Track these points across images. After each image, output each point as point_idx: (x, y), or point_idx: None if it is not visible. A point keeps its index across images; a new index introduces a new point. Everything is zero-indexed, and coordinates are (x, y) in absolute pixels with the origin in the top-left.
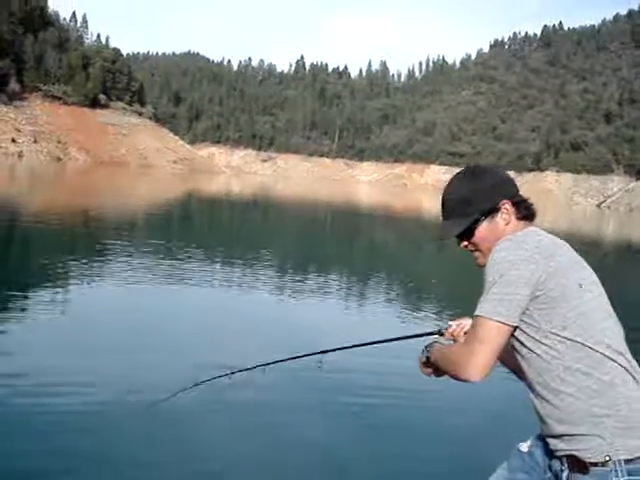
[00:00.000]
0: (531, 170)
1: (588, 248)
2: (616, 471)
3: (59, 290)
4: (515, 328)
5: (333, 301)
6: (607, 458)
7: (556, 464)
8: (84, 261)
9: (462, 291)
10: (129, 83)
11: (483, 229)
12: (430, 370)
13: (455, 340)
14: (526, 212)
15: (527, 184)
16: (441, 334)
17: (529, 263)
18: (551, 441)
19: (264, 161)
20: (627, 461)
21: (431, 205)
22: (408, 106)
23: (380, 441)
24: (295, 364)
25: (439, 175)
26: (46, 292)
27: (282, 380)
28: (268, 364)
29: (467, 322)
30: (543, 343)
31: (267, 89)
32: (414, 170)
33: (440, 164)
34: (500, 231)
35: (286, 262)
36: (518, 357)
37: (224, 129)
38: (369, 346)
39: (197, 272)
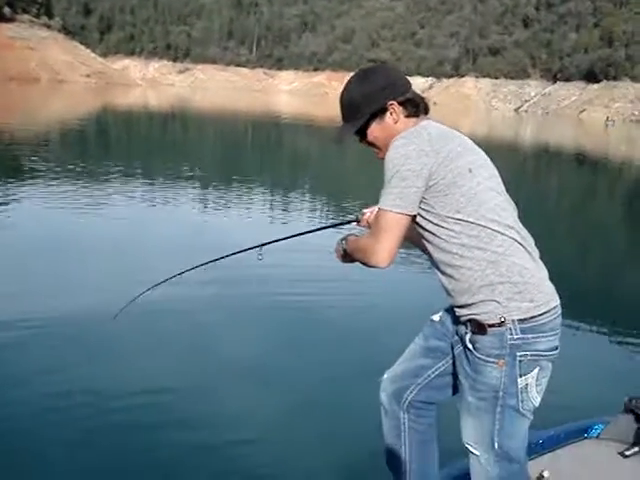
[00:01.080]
0: (451, 76)
1: (508, 152)
2: (510, 329)
3: None
4: (415, 216)
5: (260, 204)
6: (502, 319)
7: (461, 328)
8: None
9: (374, 184)
10: None
11: (374, 129)
12: (347, 260)
13: (370, 226)
14: (414, 109)
15: (446, 90)
16: (358, 221)
17: (420, 157)
18: (456, 310)
19: (181, 72)
20: (520, 320)
21: None
22: (327, 13)
23: (309, 329)
24: (233, 261)
25: None
26: None
27: (224, 276)
28: (209, 262)
29: (377, 208)
30: (441, 226)
31: None
32: (334, 78)
33: None
34: (392, 129)
35: (208, 173)
36: (422, 239)
37: (138, 40)
38: (299, 237)
39: (118, 189)
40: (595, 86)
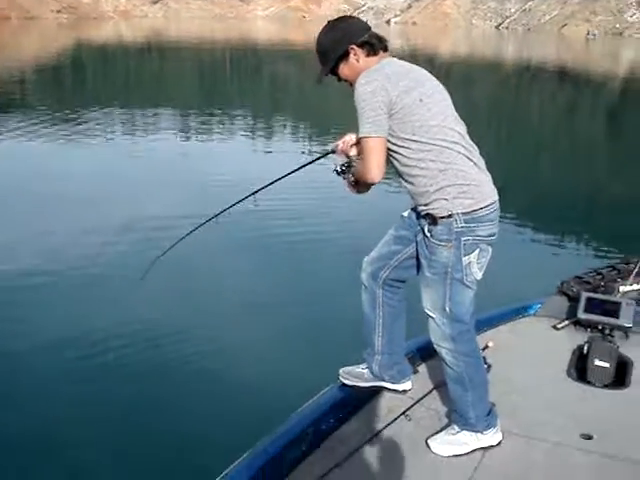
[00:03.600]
0: None
1: (490, 70)
2: (456, 220)
3: None
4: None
5: (243, 143)
6: (450, 213)
7: (421, 221)
8: None
9: (346, 116)
10: None
11: (343, 68)
12: (357, 187)
13: (346, 153)
14: (371, 49)
15: (425, 9)
16: (334, 152)
17: (381, 90)
18: (417, 207)
19: (154, 3)
20: (463, 214)
21: None
22: None
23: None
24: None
25: (338, 5)
26: None
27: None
28: (211, 219)
29: (348, 137)
30: (401, 145)
31: None
32: (312, 1)
33: None
34: (357, 67)
35: (189, 108)
36: (390, 156)
37: None
38: (286, 178)
39: (99, 131)
40: (576, 0)
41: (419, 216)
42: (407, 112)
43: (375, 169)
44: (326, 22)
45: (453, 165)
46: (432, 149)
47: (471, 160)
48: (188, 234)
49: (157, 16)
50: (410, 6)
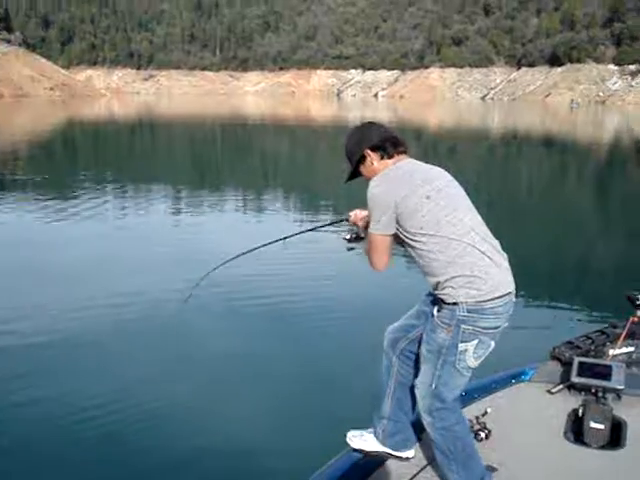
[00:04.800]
0: (416, 68)
1: (477, 140)
2: (460, 308)
3: None
4: (394, 234)
5: (234, 216)
6: (455, 301)
7: (433, 302)
8: None
9: (351, 189)
10: None
11: (363, 170)
12: (353, 242)
13: (355, 223)
14: (385, 153)
15: (412, 82)
16: (347, 219)
17: (387, 195)
18: (430, 291)
19: (145, 80)
20: (467, 303)
21: (320, 110)
22: (288, 11)
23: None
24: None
25: (326, 79)
26: None
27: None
28: (233, 258)
29: (359, 211)
30: (413, 239)
31: (141, 3)
32: (300, 77)
33: (326, 69)
34: (373, 169)
35: (180, 182)
36: (405, 247)
37: (99, 49)
38: (298, 236)
39: (90, 206)
40: (559, 69)
41: (432, 297)
42: (413, 209)
43: (380, 263)
44: (352, 127)
45: (461, 257)
46: (440, 241)
47: (481, 251)
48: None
49: (149, 92)
50: (397, 79)
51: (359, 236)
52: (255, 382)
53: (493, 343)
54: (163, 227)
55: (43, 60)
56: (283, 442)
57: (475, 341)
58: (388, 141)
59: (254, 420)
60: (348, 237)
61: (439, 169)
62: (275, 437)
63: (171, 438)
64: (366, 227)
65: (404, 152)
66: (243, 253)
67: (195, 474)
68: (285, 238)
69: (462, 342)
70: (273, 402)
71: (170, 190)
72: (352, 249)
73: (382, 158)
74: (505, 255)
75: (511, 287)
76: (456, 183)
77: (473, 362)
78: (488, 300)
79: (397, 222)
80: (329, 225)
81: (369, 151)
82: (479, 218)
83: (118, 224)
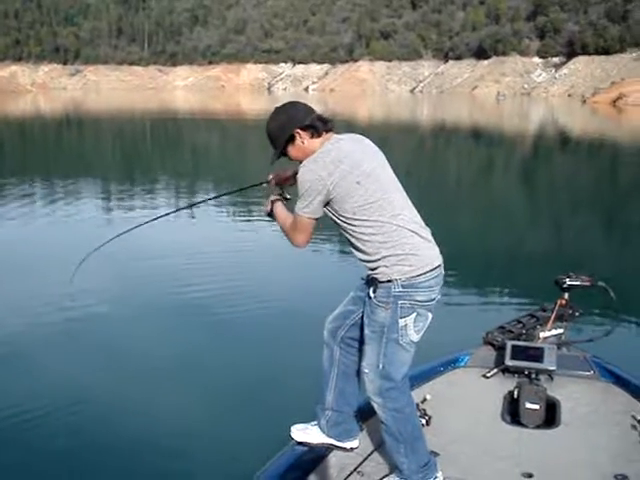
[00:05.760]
0: (345, 61)
1: (406, 133)
2: (394, 285)
3: None
4: (319, 218)
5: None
6: (389, 279)
7: (368, 284)
8: None
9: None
10: None
11: (291, 150)
12: (271, 217)
13: (277, 183)
14: (315, 131)
15: (342, 76)
16: (268, 182)
17: (318, 180)
18: (364, 275)
19: (72, 75)
20: (401, 280)
21: (250, 104)
22: (217, 5)
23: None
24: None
25: (256, 73)
26: None
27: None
28: (143, 224)
29: (281, 172)
30: (346, 222)
31: None
32: (230, 71)
33: (255, 62)
34: (304, 148)
35: (109, 178)
36: (339, 229)
37: (24, 44)
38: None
39: (17, 202)
40: (485, 62)
41: (367, 279)
42: (344, 195)
43: (301, 242)
44: (274, 108)
45: (393, 237)
46: (373, 225)
47: (411, 230)
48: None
49: (76, 88)
50: (327, 73)
51: (285, 198)
52: (192, 378)
53: (430, 315)
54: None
55: None
56: (226, 439)
57: (413, 314)
58: (318, 120)
59: (194, 417)
60: (268, 208)
61: (366, 143)
62: (218, 434)
63: (105, 435)
64: (292, 184)
65: (331, 129)
66: (140, 225)
67: (133, 471)
68: (192, 205)
69: (401, 317)
70: (212, 399)
71: (91, 186)
72: (270, 215)
73: (312, 137)
74: (429, 230)
75: (440, 260)
76: (383, 160)
77: (415, 336)
78: (421, 274)
79: (329, 205)
80: (244, 190)
81: (299, 130)
82: (406, 197)
83: (36, 220)
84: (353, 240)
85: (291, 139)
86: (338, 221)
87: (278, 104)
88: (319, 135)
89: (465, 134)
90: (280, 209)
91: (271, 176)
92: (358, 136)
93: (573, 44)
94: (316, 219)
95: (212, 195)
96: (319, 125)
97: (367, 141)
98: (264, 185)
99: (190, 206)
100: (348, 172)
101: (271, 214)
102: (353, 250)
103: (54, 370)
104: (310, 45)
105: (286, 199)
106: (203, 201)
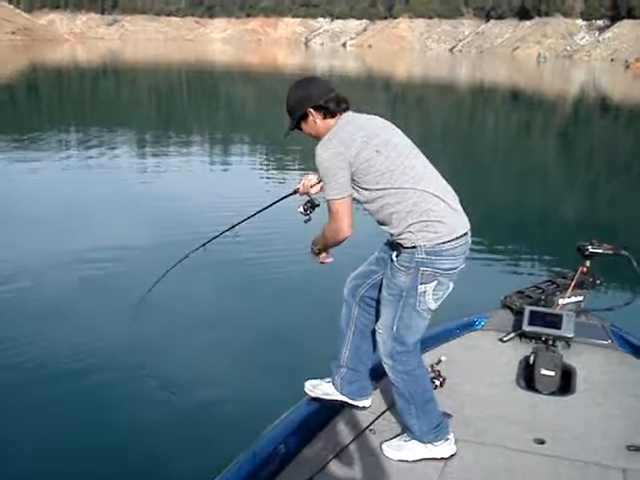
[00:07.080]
0: (384, 17)
1: (444, 92)
2: (418, 251)
3: None
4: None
5: (201, 167)
6: (413, 244)
7: (391, 247)
8: None
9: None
10: None
11: (304, 127)
12: (323, 256)
13: (307, 192)
14: (328, 112)
15: (381, 32)
16: (297, 192)
17: (338, 155)
18: (388, 238)
19: (109, 25)
20: (425, 246)
21: (287, 58)
22: None
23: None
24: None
25: (293, 28)
26: None
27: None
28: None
29: (310, 177)
30: (368, 195)
31: None
32: (268, 24)
33: (293, 16)
34: (317, 127)
35: (146, 130)
36: (362, 203)
37: None
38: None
39: (54, 153)
40: (527, 23)
41: (390, 243)
42: (366, 166)
43: (345, 228)
44: (293, 84)
45: (419, 204)
46: (397, 192)
47: (437, 196)
48: (168, 271)
49: (113, 38)
50: (366, 29)
51: (314, 204)
52: (212, 335)
53: (451, 284)
54: (117, 180)
55: (3, 2)
56: (241, 393)
57: (434, 282)
58: (331, 101)
59: (210, 371)
60: (301, 209)
61: (380, 119)
62: (232, 389)
63: (132, 392)
64: (321, 190)
65: (346, 109)
66: (192, 251)
67: (156, 427)
68: (233, 227)
69: (422, 284)
70: (231, 354)
71: (127, 139)
72: (309, 220)
73: (325, 117)
74: (457, 197)
75: (467, 228)
76: (398, 131)
77: (433, 304)
78: (446, 242)
79: (353, 180)
80: (278, 202)
81: (312, 110)
82: (428, 163)
83: (75, 174)
84: (378, 214)
85: (304, 116)
86: (362, 197)
87: (320, 68)
88: (332, 116)
89: (504, 95)
90: (316, 236)
91: (298, 187)
92: (371, 115)
93: (618, 7)
94: (350, 197)
95: (250, 214)
96: (332, 107)
97: (380, 118)
98: (296, 195)
99: (232, 227)
100: (366, 142)
101: (320, 251)
102: (379, 223)
103: (85, 322)
104: (349, 0)
105: (316, 206)
106: (245, 220)
